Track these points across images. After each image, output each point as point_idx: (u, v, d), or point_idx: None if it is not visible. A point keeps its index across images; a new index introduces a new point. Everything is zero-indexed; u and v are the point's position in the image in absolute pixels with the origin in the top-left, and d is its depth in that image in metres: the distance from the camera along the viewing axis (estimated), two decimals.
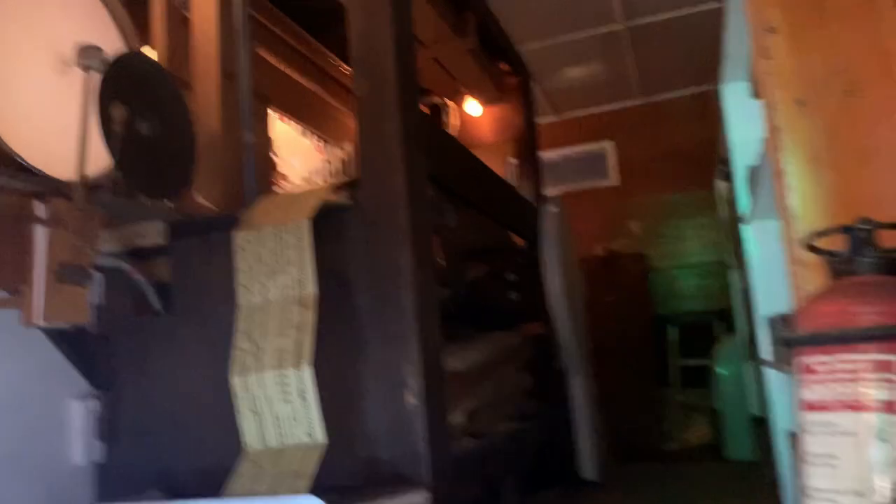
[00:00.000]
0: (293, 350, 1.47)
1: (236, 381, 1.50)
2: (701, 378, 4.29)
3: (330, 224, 1.69)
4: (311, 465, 1.41)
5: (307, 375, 1.45)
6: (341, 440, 1.63)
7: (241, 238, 1.64)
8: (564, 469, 3.08)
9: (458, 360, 2.35)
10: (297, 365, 1.46)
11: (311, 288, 1.54)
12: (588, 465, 3.12)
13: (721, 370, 3.80)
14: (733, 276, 3.56)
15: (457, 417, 2.24)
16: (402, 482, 1.56)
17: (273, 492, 1.39)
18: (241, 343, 1.54)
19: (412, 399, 1.60)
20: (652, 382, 4.70)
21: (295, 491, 1.37)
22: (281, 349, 1.48)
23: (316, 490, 1.38)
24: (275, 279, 1.57)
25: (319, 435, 1.46)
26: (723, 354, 3.87)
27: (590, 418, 3.17)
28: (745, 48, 1.96)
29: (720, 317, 4.61)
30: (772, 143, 1.24)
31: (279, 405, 1.47)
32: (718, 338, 4.40)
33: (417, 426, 1.58)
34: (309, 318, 1.50)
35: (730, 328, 4.29)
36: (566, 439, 3.11)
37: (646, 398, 4.59)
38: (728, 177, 2.80)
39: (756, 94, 1.89)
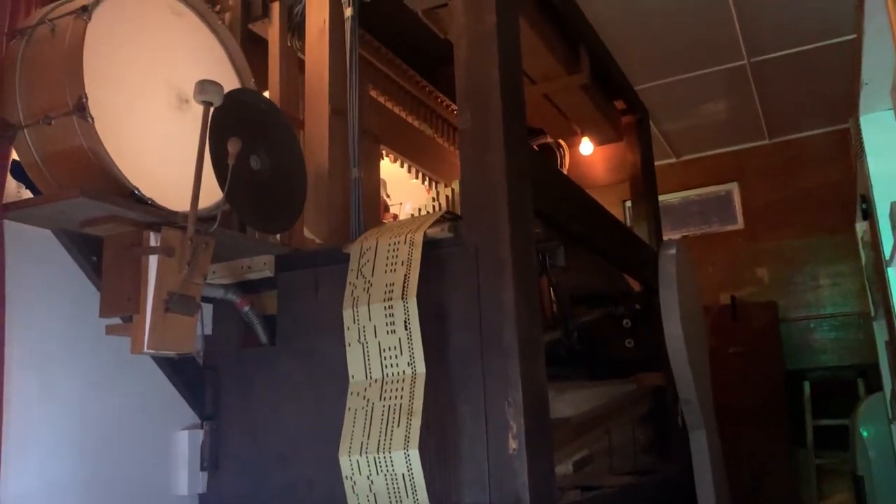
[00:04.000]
0: (401, 283, 1.55)
1: (346, 314, 1.59)
2: (839, 439, 3.92)
3: (431, 258, 1.65)
4: (419, 402, 1.47)
5: (412, 306, 1.53)
6: (439, 483, 1.56)
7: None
8: None
9: (566, 406, 2.24)
10: (403, 297, 1.53)
11: (420, 234, 1.61)
12: None
13: (864, 431, 3.46)
14: (878, 328, 3.26)
15: (564, 467, 2.12)
16: None
17: (389, 431, 1.46)
18: (352, 279, 1.63)
19: (514, 443, 1.51)
20: (783, 443, 4.35)
21: (409, 429, 1.44)
22: (389, 283, 1.57)
23: None
24: (390, 232, 1.67)
25: (420, 365, 1.52)
26: (866, 414, 3.54)
27: (714, 478, 2.94)
28: (885, 71, 1.80)
29: (860, 372, 4.23)
30: None
31: (384, 336, 1.55)
32: (860, 395, 4.03)
33: (519, 472, 1.49)
34: (416, 255, 1.58)
35: (871, 385, 3.93)
36: (688, 500, 2.89)
37: (777, 460, 4.26)
38: (868, 216, 2.57)
39: None
